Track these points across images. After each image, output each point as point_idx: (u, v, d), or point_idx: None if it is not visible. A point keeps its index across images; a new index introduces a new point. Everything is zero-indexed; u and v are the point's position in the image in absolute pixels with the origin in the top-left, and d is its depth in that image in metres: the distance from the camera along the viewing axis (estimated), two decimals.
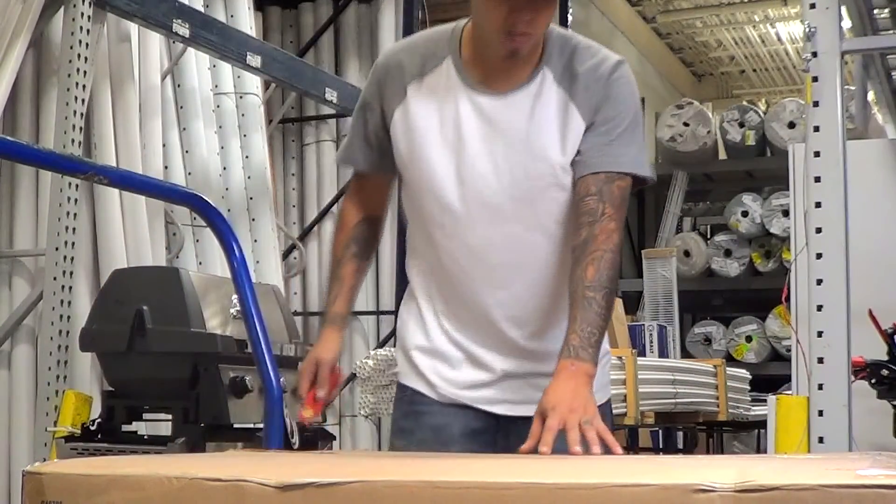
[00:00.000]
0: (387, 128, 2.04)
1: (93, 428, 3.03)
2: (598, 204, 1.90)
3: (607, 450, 1.67)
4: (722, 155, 9.05)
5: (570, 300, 1.85)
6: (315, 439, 3.27)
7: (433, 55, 2.01)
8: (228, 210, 4.56)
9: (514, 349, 2.00)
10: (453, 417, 2.00)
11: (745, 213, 8.22)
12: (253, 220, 4.76)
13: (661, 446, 6.63)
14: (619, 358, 4.12)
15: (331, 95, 4.72)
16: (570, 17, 7.16)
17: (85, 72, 3.50)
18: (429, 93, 2.01)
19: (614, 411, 2.71)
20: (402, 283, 5.25)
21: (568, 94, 1.97)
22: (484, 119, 1.98)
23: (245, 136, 4.79)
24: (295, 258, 5.56)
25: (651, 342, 5.97)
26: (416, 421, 2.03)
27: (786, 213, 7.67)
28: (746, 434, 7.13)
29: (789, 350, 5.72)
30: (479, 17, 1.96)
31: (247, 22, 4.81)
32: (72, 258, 3.41)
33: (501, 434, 2.01)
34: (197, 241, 4.37)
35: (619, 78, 1.98)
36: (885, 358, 3.41)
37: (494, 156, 1.97)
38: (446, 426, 2.00)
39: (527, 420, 1.76)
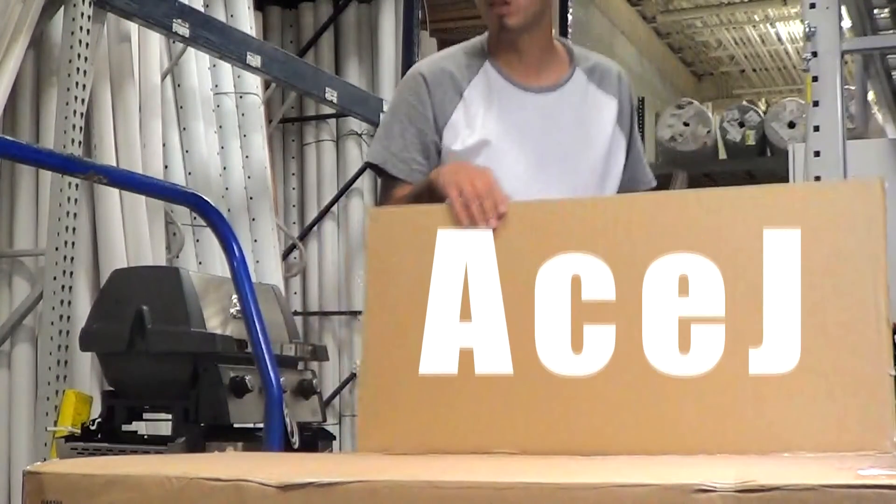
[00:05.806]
0: (440, 133, 2.11)
1: (93, 428, 3.03)
2: None
3: None
4: (722, 155, 9.03)
5: None
6: (315, 439, 3.27)
7: (469, 65, 2.15)
8: (228, 210, 4.56)
9: None
10: None
11: None
12: (253, 220, 4.75)
13: None
14: None
15: (331, 95, 4.72)
16: (570, 17, 7.14)
17: (85, 72, 3.50)
18: (482, 97, 2.11)
19: None
20: None
21: (602, 91, 2.19)
22: (541, 114, 2.12)
23: (245, 136, 4.79)
24: (295, 258, 5.55)
25: None
26: None
27: None
28: None
29: None
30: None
31: (247, 22, 4.81)
32: (72, 258, 3.41)
33: None
34: (197, 241, 4.37)
35: (628, 83, 2.24)
36: None
37: (561, 147, 2.12)
38: None
39: None
